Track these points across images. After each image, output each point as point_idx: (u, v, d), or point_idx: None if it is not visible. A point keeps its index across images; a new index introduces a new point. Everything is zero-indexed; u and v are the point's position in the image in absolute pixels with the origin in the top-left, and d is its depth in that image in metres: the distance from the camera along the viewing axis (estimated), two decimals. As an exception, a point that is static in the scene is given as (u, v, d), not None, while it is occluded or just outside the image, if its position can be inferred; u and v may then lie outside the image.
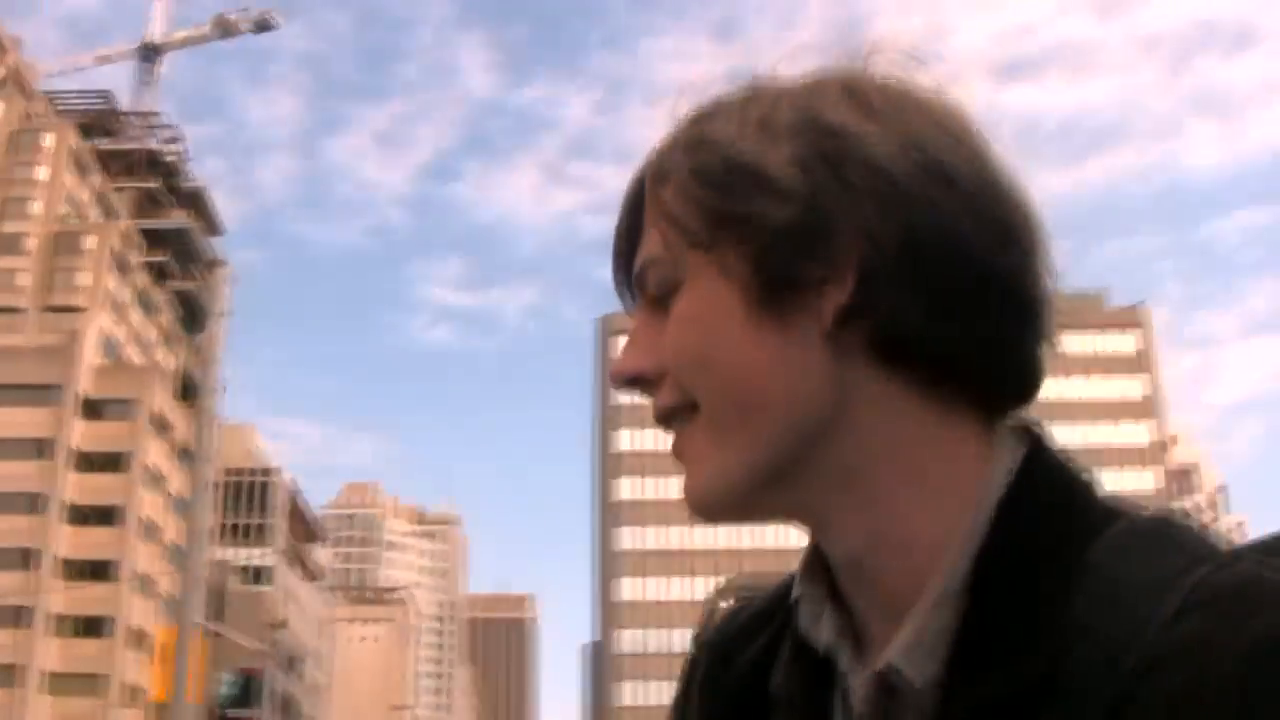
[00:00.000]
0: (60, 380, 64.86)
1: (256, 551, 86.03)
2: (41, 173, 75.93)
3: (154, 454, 67.81)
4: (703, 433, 0.75)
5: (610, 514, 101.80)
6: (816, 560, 0.79)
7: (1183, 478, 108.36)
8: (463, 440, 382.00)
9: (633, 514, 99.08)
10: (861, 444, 0.73)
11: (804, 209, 0.71)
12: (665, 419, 0.77)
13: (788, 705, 0.80)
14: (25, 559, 61.55)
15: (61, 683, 60.68)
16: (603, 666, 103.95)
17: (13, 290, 73.01)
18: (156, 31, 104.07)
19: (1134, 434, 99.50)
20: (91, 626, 62.59)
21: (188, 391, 68.61)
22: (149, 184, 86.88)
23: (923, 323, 0.71)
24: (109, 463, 65.32)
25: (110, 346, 71.31)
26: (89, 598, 60.90)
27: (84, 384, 66.02)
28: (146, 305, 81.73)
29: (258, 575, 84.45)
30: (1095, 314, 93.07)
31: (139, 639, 62.46)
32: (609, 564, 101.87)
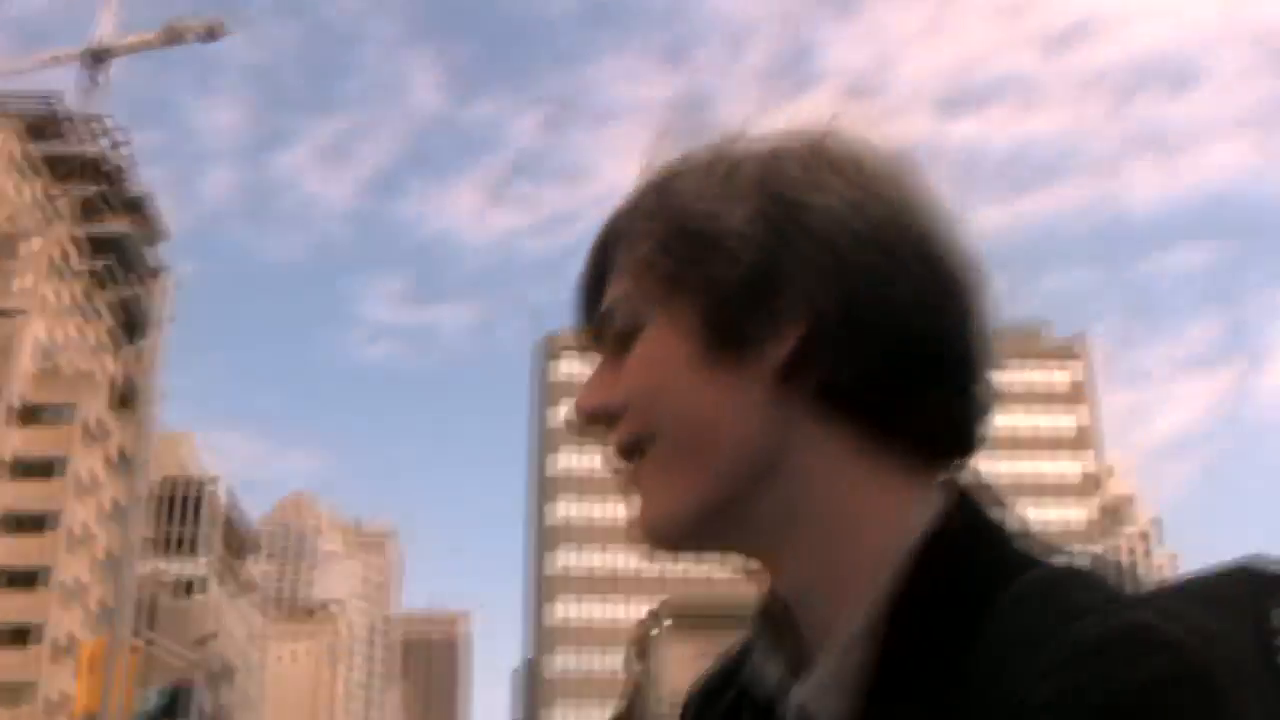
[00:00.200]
0: (-6, 385, 63.96)
1: (189, 563, 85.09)
2: (-18, 175, 75.06)
3: (89, 462, 67.02)
4: (657, 465, 0.79)
5: (545, 536, 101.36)
6: (771, 602, 0.82)
7: (1116, 512, 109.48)
8: (401, 457, 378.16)
9: (567, 536, 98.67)
10: (804, 487, 0.77)
11: (752, 272, 0.76)
12: (625, 452, 0.80)
13: None
14: (-48, 565, 60.55)
15: (-15, 692, 59.75)
16: (534, 689, 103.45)
17: (-52, 293, 71.96)
18: (104, 36, 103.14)
19: (1069, 467, 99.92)
20: (18, 636, 61.48)
21: (125, 399, 67.84)
22: (93, 188, 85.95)
23: (859, 382, 0.75)
24: (43, 469, 64.32)
25: (47, 352, 70.43)
26: (16, 607, 59.89)
27: (19, 389, 65.13)
28: (86, 311, 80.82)
29: (189, 587, 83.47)
30: (1034, 346, 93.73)
31: (67, 649, 61.59)
32: (543, 586, 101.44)
